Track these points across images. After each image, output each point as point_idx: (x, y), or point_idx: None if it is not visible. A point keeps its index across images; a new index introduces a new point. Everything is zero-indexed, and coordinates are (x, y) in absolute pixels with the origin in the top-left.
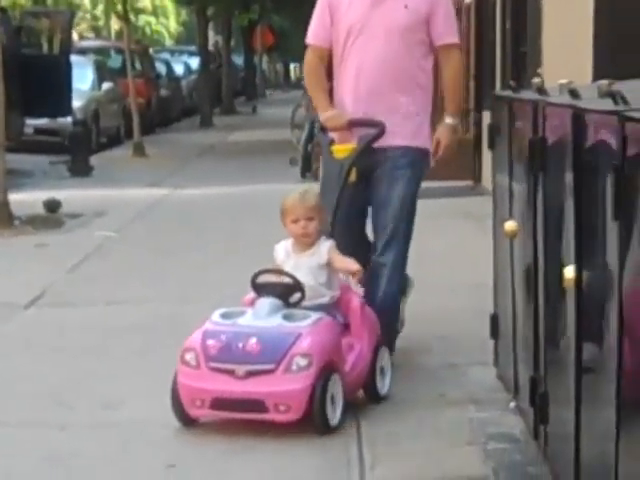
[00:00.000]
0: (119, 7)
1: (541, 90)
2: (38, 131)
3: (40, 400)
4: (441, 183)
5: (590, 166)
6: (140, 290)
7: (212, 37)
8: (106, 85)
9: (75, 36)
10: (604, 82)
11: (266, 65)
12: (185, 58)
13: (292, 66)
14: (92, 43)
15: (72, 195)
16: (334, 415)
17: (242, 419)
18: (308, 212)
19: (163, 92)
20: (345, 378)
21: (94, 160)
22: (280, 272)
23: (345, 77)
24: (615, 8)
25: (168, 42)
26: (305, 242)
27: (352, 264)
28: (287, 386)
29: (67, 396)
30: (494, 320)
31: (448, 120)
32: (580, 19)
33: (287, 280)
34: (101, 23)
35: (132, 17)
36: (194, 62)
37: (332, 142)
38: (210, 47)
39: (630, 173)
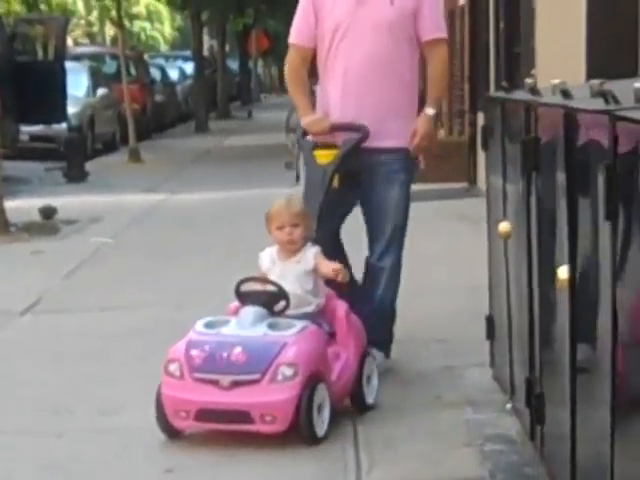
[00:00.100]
0: (113, 13)
1: (533, 90)
2: (33, 138)
3: (38, 406)
4: (437, 185)
5: (582, 166)
6: (137, 295)
7: (207, 42)
8: (101, 91)
9: (70, 42)
10: (596, 82)
11: (261, 69)
12: (180, 63)
13: None
14: (87, 49)
15: (68, 201)
16: (321, 425)
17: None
18: (293, 218)
19: (158, 97)
20: (331, 387)
21: (89, 166)
22: (264, 280)
23: (332, 77)
24: (608, 8)
25: (163, 47)
26: (290, 249)
27: (338, 266)
28: (273, 396)
29: (65, 402)
30: (489, 321)
31: (428, 110)
32: (573, 19)
33: (271, 288)
34: (96, 29)
35: (127, 23)
36: (189, 67)
37: (315, 147)
38: (205, 52)
39: (621, 172)
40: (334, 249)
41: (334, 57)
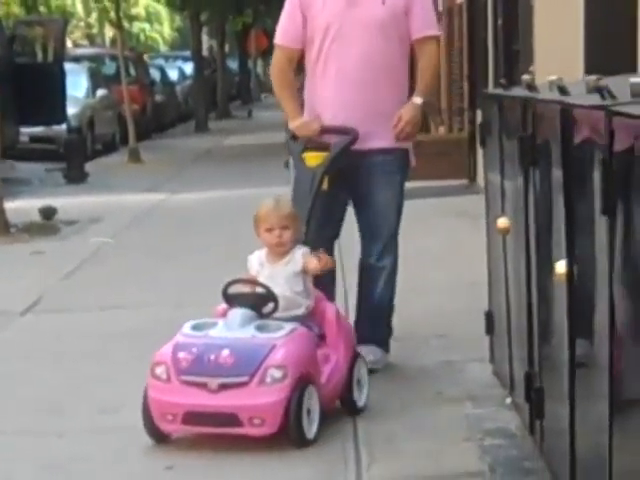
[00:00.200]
0: (112, 15)
1: (530, 87)
2: (33, 139)
3: (38, 406)
4: (436, 182)
5: (579, 161)
6: (137, 295)
7: (206, 42)
8: (100, 92)
9: (69, 44)
10: (592, 78)
11: (261, 69)
12: (179, 63)
13: None
14: (86, 51)
15: (68, 202)
16: (310, 428)
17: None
18: (282, 220)
19: (158, 98)
20: (321, 390)
21: (89, 167)
22: (252, 282)
23: (323, 78)
24: (606, 5)
25: (162, 48)
26: (279, 252)
27: (322, 256)
28: (261, 399)
29: (65, 402)
30: (489, 317)
31: (414, 99)
32: (571, 16)
33: (260, 290)
34: (95, 31)
35: (126, 24)
36: (188, 67)
37: (304, 149)
38: (204, 52)
39: (618, 167)
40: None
41: (325, 58)
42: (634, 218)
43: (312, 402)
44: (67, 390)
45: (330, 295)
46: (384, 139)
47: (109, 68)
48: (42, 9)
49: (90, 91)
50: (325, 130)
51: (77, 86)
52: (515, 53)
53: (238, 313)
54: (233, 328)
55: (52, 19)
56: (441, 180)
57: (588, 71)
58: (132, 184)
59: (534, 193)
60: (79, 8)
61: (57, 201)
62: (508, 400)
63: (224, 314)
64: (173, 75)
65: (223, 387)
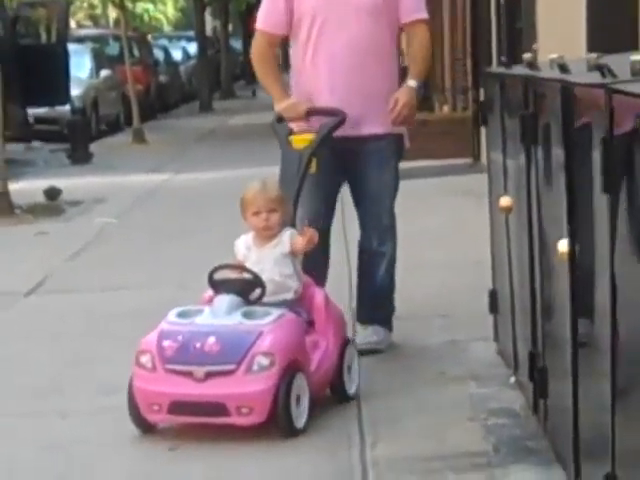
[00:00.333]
0: None
1: (532, 65)
2: (37, 120)
3: (41, 387)
4: (440, 161)
5: (579, 139)
6: (141, 276)
7: (210, 22)
8: (104, 73)
9: (73, 25)
10: (592, 56)
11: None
12: (183, 44)
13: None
14: (90, 31)
15: (72, 183)
16: (299, 417)
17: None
18: (270, 203)
19: (162, 78)
20: (310, 378)
21: (94, 147)
22: (239, 267)
23: (312, 64)
24: None
25: (166, 28)
26: (267, 235)
27: (307, 231)
28: (249, 387)
29: (67, 383)
30: (493, 296)
31: (409, 82)
32: None
33: (246, 276)
34: (98, 11)
35: (129, 4)
36: (192, 48)
37: (290, 132)
38: (208, 32)
39: (618, 145)
40: (323, 249)
41: (315, 43)
42: (635, 196)
43: (301, 390)
44: (69, 371)
45: (321, 280)
46: (377, 124)
47: (113, 49)
48: None
49: (94, 72)
50: (312, 112)
51: (81, 67)
52: (518, 31)
53: (224, 299)
54: (219, 315)
55: (55, 0)
56: (445, 159)
57: (590, 49)
58: (136, 164)
59: (536, 172)
60: None
61: (61, 182)
62: (512, 379)
63: (210, 301)
64: (177, 55)
65: (209, 375)
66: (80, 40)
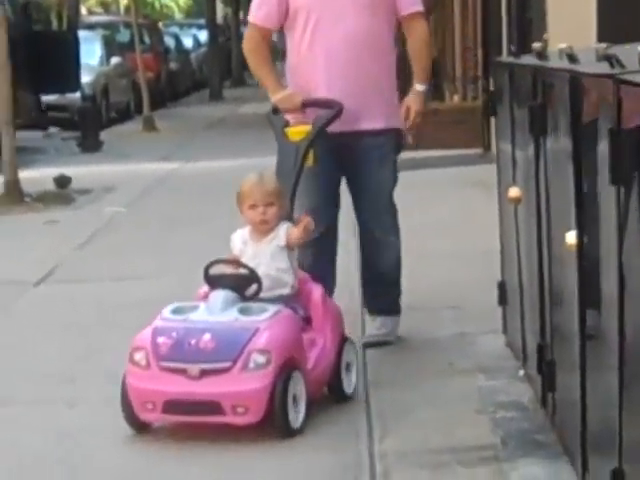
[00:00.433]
0: None
1: (540, 55)
2: (47, 107)
3: (50, 376)
4: (450, 151)
5: (587, 130)
6: (150, 265)
7: (221, 10)
8: (115, 60)
9: (84, 11)
10: (601, 46)
11: (276, 37)
12: (194, 31)
13: None
14: (100, 18)
15: (82, 171)
16: (296, 416)
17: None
18: (267, 197)
19: (172, 66)
20: (307, 376)
21: (104, 135)
22: (235, 262)
23: (311, 57)
24: None
25: (177, 16)
26: (263, 229)
27: (302, 219)
28: (245, 386)
29: (77, 372)
30: (502, 287)
31: (418, 87)
32: None
33: (242, 271)
34: None
35: None
36: (203, 35)
37: (286, 124)
38: (219, 20)
39: (626, 136)
40: (331, 244)
41: (311, 37)
42: None
43: (298, 389)
44: (78, 360)
45: (329, 288)
46: (376, 119)
47: (123, 36)
48: None
49: (104, 59)
50: (308, 103)
51: (91, 54)
52: (528, 21)
53: (220, 295)
54: (214, 311)
55: None
56: (456, 149)
57: (601, 39)
58: (146, 152)
59: (544, 162)
60: None
61: (71, 170)
62: (521, 372)
63: (206, 297)
64: (188, 43)
65: (204, 373)
66: (91, 27)
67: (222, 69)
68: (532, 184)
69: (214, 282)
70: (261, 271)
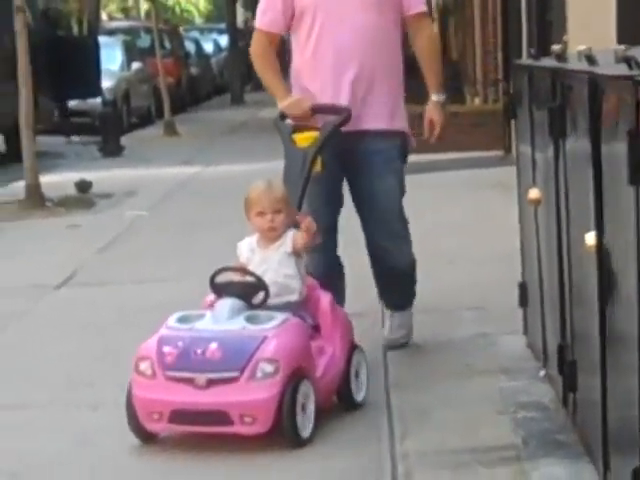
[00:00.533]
0: None
1: (560, 57)
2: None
3: (71, 379)
4: (471, 154)
5: (606, 132)
6: (171, 268)
7: (241, 14)
8: (135, 65)
9: (104, 17)
10: (620, 47)
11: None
12: (214, 36)
13: None
14: (121, 24)
15: (103, 175)
16: (306, 426)
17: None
18: (275, 204)
19: (193, 70)
20: (316, 385)
21: (125, 140)
22: (241, 270)
23: (317, 58)
24: None
25: (198, 21)
26: (271, 236)
27: (303, 219)
28: (252, 395)
29: (98, 375)
30: (523, 288)
31: (434, 97)
32: None
33: (249, 278)
34: (130, 3)
35: None
36: (223, 40)
37: (294, 130)
38: (239, 24)
39: None
40: (332, 243)
41: (318, 37)
42: None
43: (307, 398)
44: (99, 363)
45: (340, 297)
46: (381, 120)
47: (144, 41)
48: None
49: (125, 64)
50: (316, 109)
51: (112, 59)
52: (548, 24)
53: (226, 303)
54: (221, 320)
55: None
56: (476, 151)
57: (621, 41)
58: (168, 157)
59: (564, 164)
60: None
61: (93, 174)
62: (542, 373)
63: (212, 305)
64: (208, 48)
65: (211, 383)
66: (111, 32)
67: (243, 73)
68: (552, 185)
69: (221, 290)
70: (268, 278)
